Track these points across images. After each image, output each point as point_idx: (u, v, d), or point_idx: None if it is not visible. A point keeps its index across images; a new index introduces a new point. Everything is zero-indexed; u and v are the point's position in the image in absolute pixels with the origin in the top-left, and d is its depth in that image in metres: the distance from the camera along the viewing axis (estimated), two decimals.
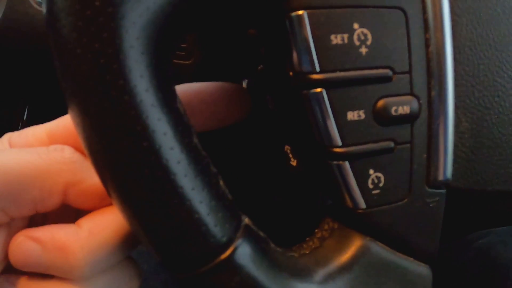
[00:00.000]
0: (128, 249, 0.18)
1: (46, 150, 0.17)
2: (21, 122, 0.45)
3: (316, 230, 0.18)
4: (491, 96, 0.18)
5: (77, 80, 0.13)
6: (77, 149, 0.17)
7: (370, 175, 0.16)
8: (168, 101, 0.14)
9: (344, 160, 0.16)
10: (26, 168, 0.16)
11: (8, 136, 0.19)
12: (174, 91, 0.14)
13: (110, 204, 0.17)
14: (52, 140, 0.19)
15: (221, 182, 0.15)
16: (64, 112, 0.17)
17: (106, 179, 0.14)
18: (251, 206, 0.19)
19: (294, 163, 0.19)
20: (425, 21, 0.16)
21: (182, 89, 0.19)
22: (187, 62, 0.25)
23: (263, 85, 0.20)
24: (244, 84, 0.21)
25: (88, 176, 0.17)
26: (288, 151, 0.19)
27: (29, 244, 0.16)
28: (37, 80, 0.40)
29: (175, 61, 0.26)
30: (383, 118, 0.16)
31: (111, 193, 0.14)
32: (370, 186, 0.16)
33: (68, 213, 0.19)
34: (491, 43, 0.18)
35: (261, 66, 0.21)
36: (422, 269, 0.18)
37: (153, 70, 0.13)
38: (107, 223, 0.17)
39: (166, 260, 0.15)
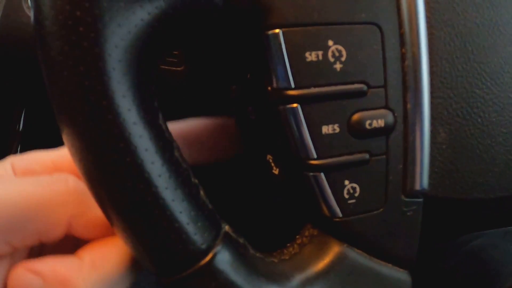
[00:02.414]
0: (129, 279, 0.17)
1: (50, 180, 0.17)
2: (18, 126, 0.47)
3: (297, 236, 0.19)
4: (469, 107, 0.18)
5: (64, 99, 0.14)
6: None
7: (345, 185, 0.17)
8: (150, 118, 0.15)
9: (319, 171, 0.16)
10: (30, 200, 0.16)
11: (10, 160, 0.19)
12: (156, 108, 0.15)
13: (114, 234, 0.17)
14: (57, 168, 0.19)
15: (202, 193, 0.16)
16: None
17: (94, 189, 0.15)
18: (235, 213, 0.20)
19: (276, 171, 0.20)
20: (401, 36, 0.17)
21: (179, 126, 0.20)
22: (178, 68, 0.26)
23: (246, 96, 0.20)
24: (232, 91, 0.22)
25: (92, 207, 0.17)
26: (270, 160, 0.20)
27: (30, 277, 0.16)
28: (33, 84, 0.42)
29: (167, 67, 0.27)
30: (358, 131, 0.16)
31: (99, 202, 0.15)
32: (346, 196, 0.17)
33: (67, 240, 0.18)
34: (469, 56, 0.18)
35: (249, 74, 0.21)
36: (400, 275, 0.19)
37: (135, 90, 0.14)
38: (109, 255, 0.17)
39: (150, 265, 0.16)
